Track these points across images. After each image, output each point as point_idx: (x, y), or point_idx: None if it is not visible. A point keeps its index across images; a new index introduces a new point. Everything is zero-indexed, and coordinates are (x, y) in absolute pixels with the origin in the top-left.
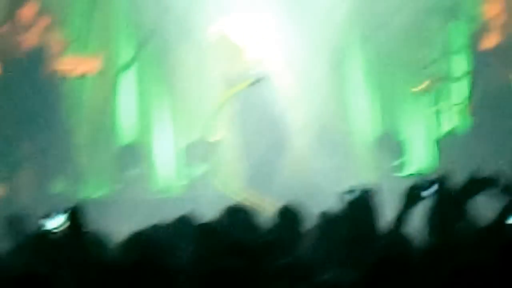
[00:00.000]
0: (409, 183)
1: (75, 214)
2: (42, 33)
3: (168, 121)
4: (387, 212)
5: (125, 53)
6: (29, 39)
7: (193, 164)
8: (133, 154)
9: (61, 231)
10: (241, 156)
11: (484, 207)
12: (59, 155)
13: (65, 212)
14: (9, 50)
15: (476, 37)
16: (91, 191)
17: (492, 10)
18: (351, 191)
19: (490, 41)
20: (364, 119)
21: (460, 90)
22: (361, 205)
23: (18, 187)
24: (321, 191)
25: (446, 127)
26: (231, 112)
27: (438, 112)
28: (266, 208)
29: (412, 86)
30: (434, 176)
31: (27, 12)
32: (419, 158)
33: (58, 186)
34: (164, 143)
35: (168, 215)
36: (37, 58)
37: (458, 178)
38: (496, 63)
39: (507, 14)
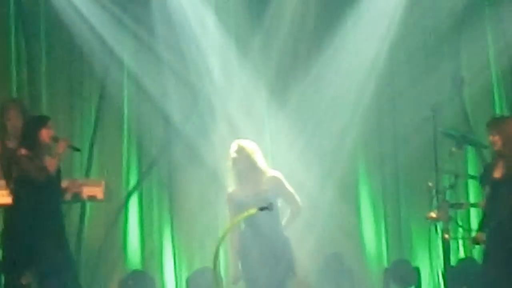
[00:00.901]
0: None
1: None
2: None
3: (173, 248)
4: None
5: (132, 177)
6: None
7: None
8: (140, 281)
9: None
10: (246, 281)
11: None
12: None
13: None
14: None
15: (488, 165)
16: None
17: (496, 141)
18: None
19: (499, 171)
20: (375, 247)
21: (473, 218)
22: None
23: None
24: None
25: (459, 255)
26: (237, 237)
27: (450, 240)
28: None
29: (424, 213)
30: None
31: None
32: (431, 286)
33: None
34: (170, 270)
35: None
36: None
37: None
38: (505, 192)
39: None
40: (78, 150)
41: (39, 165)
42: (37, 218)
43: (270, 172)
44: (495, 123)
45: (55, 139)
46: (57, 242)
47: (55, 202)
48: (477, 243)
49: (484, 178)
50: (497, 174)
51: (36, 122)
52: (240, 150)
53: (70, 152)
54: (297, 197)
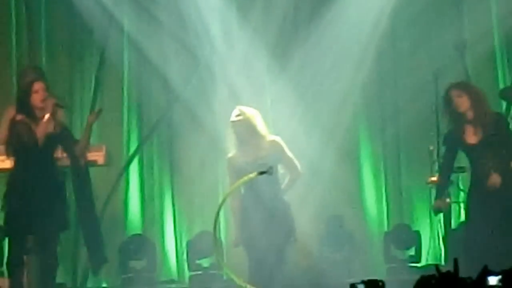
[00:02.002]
0: (421, 275)
1: None
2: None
3: (174, 212)
4: None
5: (132, 143)
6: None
7: (198, 256)
8: (140, 245)
9: None
10: (247, 246)
11: None
12: (65, 245)
13: None
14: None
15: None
16: (97, 281)
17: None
18: (360, 283)
19: (472, 136)
20: (376, 210)
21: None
22: None
23: (23, 279)
24: (329, 282)
25: (459, 218)
26: (238, 202)
27: (452, 204)
28: None
29: (425, 177)
30: (446, 269)
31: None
32: (432, 250)
33: (64, 277)
34: (170, 235)
35: None
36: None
37: (470, 271)
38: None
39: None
40: (61, 107)
41: (30, 130)
42: (31, 182)
43: (270, 137)
44: (463, 84)
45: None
46: (56, 205)
47: (49, 165)
48: (439, 211)
49: (451, 141)
50: (471, 139)
51: (25, 87)
52: (240, 115)
53: (70, 118)
54: (296, 163)
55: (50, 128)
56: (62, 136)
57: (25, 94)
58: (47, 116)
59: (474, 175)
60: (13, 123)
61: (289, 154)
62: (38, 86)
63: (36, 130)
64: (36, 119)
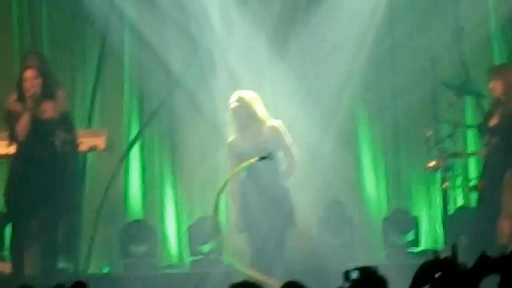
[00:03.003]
0: (420, 260)
1: None
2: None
3: (174, 198)
4: None
5: (133, 128)
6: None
7: (199, 241)
8: (141, 230)
9: None
10: (247, 231)
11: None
12: (66, 230)
13: (71, 287)
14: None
15: (487, 114)
16: (99, 266)
17: (496, 87)
18: (357, 269)
19: (495, 119)
20: (375, 195)
21: (471, 167)
22: (368, 283)
23: (25, 263)
24: (327, 268)
25: (457, 203)
26: (238, 187)
27: (449, 189)
28: (272, 285)
29: (423, 162)
30: (444, 254)
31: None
32: (430, 235)
33: (64, 262)
34: (171, 220)
35: None
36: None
37: (468, 256)
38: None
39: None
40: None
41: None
42: (32, 167)
43: (270, 122)
44: (498, 69)
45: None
46: (57, 191)
47: (50, 151)
48: (476, 191)
49: (482, 127)
50: (493, 122)
51: (19, 76)
52: (240, 100)
53: (72, 103)
54: (293, 151)
55: (49, 114)
56: (62, 121)
57: (18, 81)
58: (46, 102)
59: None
60: (10, 110)
61: (288, 141)
62: (29, 73)
63: (34, 117)
64: (32, 106)
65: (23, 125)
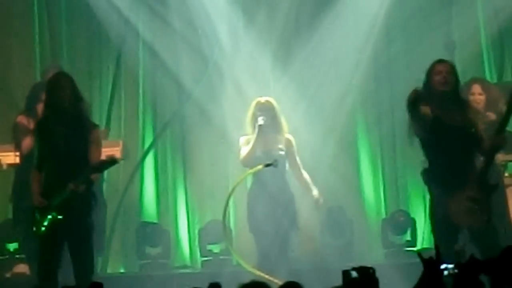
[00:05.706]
0: (426, 258)
1: None
2: None
3: (186, 203)
4: None
5: (147, 138)
6: None
7: (209, 243)
8: (155, 232)
9: None
10: (254, 234)
11: None
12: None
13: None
14: None
15: None
16: (116, 267)
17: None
18: (357, 269)
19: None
20: (374, 198)
21: None
22: (367, 283)
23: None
24: (331, 267)
25: None
26: (245, 192)
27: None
28: (277, 285)
29: (419, 167)
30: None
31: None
32: (426, 235)
33: None
34: (183, 223)
35: None
36: None
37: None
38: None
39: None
40: None
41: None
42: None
43: (287, 134)
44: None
45: None
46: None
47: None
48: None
49: None
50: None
51: (35, 93)
52: (270, 102)
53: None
54: (302, 171)
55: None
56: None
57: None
58: None
59: None
60: (18, 123)
61: (298, 161)
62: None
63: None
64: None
65: (28, 142)
